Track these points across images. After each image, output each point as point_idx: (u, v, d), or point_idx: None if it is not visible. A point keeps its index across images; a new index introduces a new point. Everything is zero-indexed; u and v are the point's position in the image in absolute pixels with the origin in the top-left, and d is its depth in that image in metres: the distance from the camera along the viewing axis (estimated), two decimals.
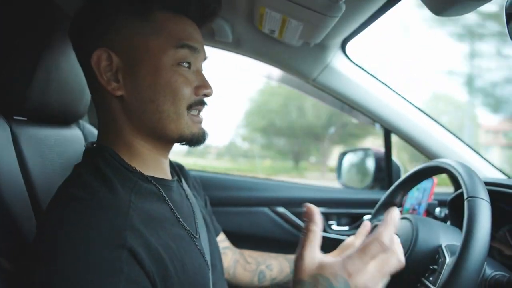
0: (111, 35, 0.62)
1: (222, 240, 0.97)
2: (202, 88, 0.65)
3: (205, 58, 0.70)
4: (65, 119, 0.88)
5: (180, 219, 0.65)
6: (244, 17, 1.03)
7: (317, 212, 0.51)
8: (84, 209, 0.52)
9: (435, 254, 0.67)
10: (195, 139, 0.66)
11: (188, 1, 0.65)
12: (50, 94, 0.75)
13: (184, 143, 0.67)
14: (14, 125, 0.71)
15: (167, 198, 0.64)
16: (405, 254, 0.73)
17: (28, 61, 0.69)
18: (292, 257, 0.92)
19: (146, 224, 0.55)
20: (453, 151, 1.21)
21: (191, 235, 0.66)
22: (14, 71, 0.69)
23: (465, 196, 0.62)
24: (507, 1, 0.61)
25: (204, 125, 0.69)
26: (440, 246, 0.68)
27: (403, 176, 0.89)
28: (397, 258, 0.51)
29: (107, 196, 0.55)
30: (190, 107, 0.64)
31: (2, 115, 0.68)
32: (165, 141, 0.67)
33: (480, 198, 0.60)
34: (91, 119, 1.28)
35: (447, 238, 0.71)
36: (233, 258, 0.97)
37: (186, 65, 0.64)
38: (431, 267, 0.66)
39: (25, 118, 0.77)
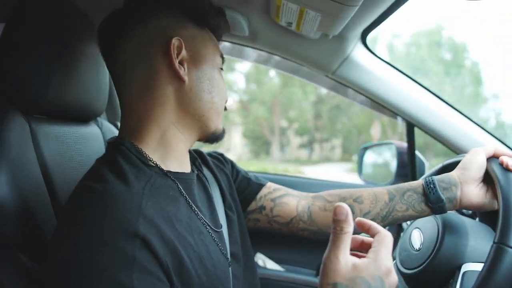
0: (180, 31, 0.68)
1: (274, 189, 0.90)
2: (226, 94, 0.75)
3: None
4: (84, 116, 0.89)
5: (198, 212, 0.65)
6: (260, 10, 1.01)
7: (350, 212, 0.48)
8: (97, 200, 0.53)
9: (453, 271, 0.67)
10: (221, 136, 0.75)
11: (219, 26, 0.76)
12: (68, 92, 0.75)
13: (211, 137, 0.73)
14: (33, 123, 0.72)
15: (184, 192, 0.65)
16: (422, 264, 0.75)
17: (47, 60, 0.70)
18: (386, 187, 0.83)
19: (160, 216, 0.55)
20: (481, 144, 1.15)
21: (210, 229, 0.66)
22: (33, 70, 0.69)
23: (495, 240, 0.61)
24: None
25: None
26: (460, 268, 0.68)
27: (438, 165, 0.86)
28: (389, 235, 0.53)
29: (121, 187, 0.56)
30: (224, 108, 0.74)
31: (21, 113, 0.69)
32: (201, 132, 0.71)
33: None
34: (109, 116, 1.29)
35: (472, 254, 0.70)
36: (301, 204, 0.87)
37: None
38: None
39: (44, 116, 0.77)
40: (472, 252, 0.71)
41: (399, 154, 1.43)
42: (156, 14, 0.67)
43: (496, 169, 0.70)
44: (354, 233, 0.51)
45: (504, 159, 0.70)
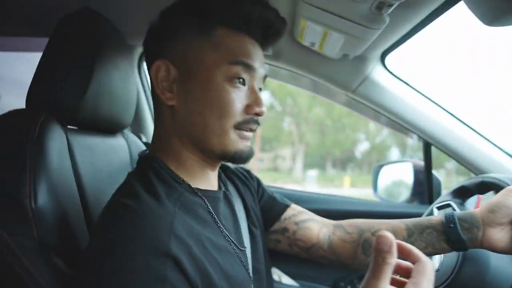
0: (172, 47, 0.65)
1: (298, 212, 0.88)
2: (253, 106, 0.65)
3: (264, 78, 0.70)
4: (112, 128, 0.92)
5: (225, 231, 0.65)
6: None
7: (394, 242, 0.42)
8: (131, 217, 0.53)
9: None
10: (238, 157, 0.66)
11: (249, 19, 0.65)
12: (101, 105, 0.78)
13: (226, 159, 0.67)
14: (69, 133, 0.75)
15: (212, 211, 0.65)
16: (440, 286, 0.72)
17: (83, 74, 0.73)
18: (404, 222, 0.79)
19: (190, 235, 0.56)
20: (502, 166, 1.15)
21: (235, 247, 0.66)
22: (71, 83, 0.73)
23: None
24: None
25: (250, 143, 0.68)
26: None
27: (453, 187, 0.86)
28: (431, 264, 0.47)
29: (154, 205, 0.56)
30: (238, 125, 0.64)
31: (59, 124, 0.72)
32: (209, 155, 0.67)
33: None
34: (133, 128, 1.33)
35: (491, 283, 0.69)
36: (322, 231, 0.85)
37: (240, 81, 0.64)
38: None
39: (77, 127, 0.81)
40: (491, 281, 0.70)
41: (416, 172, 1.44)
42: (156, 38, 0.68)
43: None
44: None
45: None
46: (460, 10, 0.71)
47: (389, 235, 0.42)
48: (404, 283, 0.45)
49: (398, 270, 0.49)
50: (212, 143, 0.64)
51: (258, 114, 0.66)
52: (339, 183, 17.66)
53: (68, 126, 0.78)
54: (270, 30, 0.68)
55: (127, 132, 1.07)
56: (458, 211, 0.80)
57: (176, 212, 0.57)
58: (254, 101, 0.65)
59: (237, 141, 0.65)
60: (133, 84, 0.91)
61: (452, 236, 0.70)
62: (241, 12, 0.64)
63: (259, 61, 0.67)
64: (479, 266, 0.72)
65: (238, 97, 0.64)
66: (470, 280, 0.71)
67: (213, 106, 0.62)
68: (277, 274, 1.34)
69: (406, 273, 0.48)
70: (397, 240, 0.45)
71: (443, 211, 0.84)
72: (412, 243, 0.70)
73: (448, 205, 0.84)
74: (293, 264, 1.32)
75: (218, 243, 0.61)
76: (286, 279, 1.34)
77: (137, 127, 1.37)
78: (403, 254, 0.47)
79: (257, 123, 0.67)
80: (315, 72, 1.18)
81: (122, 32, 0.85)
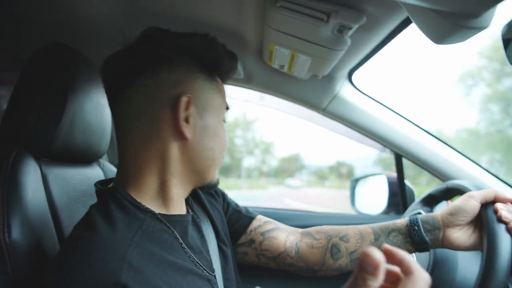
0: (190, 84, 0.67)
1: (264, 223, 0.89)
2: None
3: None
4: (88, 158, 0.92)
5: (192, 255, 0.65)
6: (254, 55, 1.09)
7: (381, 265, 0.36)
8: (81, 248, 0.53)
9: None
10: (214, 186, 0.77)
11: (230, 71, 0.75)
12: (75, 136, 0.79)
13: (206, 187, 0.75)
14: (43, 166, 0.74)
15: (178, 236, 0.65)
16: None
17: (56, 105, 0.74)
18: (371, 226, 0.83)
19: (149, 262, 0.56)
20: (466, 172, 1.21)
21: (205, 270, 0.66)
22: (43, 115, 0.73)
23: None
24: (502, 28, 0.65)
25: None
26: None
27: (417, 199, 0.90)
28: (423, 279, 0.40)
29: (107, 235, 0.56)
30: None
31: (33, 157, 0.72)
32: (197, 184, 0.73)
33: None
34: (110, 157, 1.32)
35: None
36: (289, 239, 0.87)
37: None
38: None
39: (52, 159, 0.80)
40: (461, 280, 0.74)
41: (390, 184, 1.49)
42: (167, 63, 0.66)
43: (489, 218, 0.69)
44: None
45: (499, 207, 0.69)
46: (413, 31, 0.77)
47: (377, 255, 0.35)
48: None
49: (387, 276, 0.41)
50: (210, 174, 0.72)
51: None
52: None
53: (44, 159, 0.77)
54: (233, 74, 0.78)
55: (103, 161, 1.06)
56: (423, 214, 0.84)
57: (134, 241, 0.56)
58: None
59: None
60: (108, 114, 0.91)
61: (416, 238, 0.75)
62: (228, 65, 0.73)
63: None
64: (449, 267, 0.76)
65: None
66: (442, 281, 0.74)
67: (220, 143, 0.72)
68: None
69: (395, 281, 0.41)
70: (387, 246, 0.41)
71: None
72: (379, 246, 0.74)
73: (419, 213, 0.88)
74: (277, 281, 1.31)
75: (184, 267, 0.61)
76: None
77: (113, 156, 1.36)
78: (393, 261, 0.41)
79: None
80: (286, 93, 1.22)
81: (95, 64, 0.86)
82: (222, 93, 0.74)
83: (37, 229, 0.65)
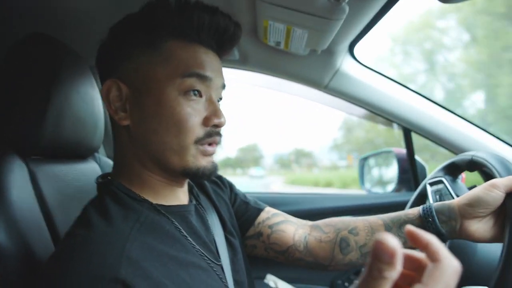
0: (123, 65, 0.62)
1: (272, 215, 0.86)
2: (212, 118, 0.63)
3: (223, 87, 0.68)
4: (81, 153, 0.88)
5: (197, 246, 0.63)
6: (249, 33, 1.03)
7: (398, 251, 0.32)
8: (78, 245, 0.51)
9: None
10: (201, 173, 0.63)
11: (199, 28, 0.62)
12: (63, 130, 0.75)
13: (189, 177, 0.65)
14: (31, 164, 0.71)
15: (179, 227, 0.62)
16: None
17: (39, 100, 0.70)
18: (382, 217, 0.77)
19: (149, 255, 0.53)
20: (480, 143, 1.16)
21: (210, 261, 0.64)
22: (26, 111, 0.69)
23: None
24: None
25: (213, 158, 0.66)
26: None
27: (429, 175, 0.85)
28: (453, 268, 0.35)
29: (104, 230, 0.54)
30: (199, 140, 0.62)
31: (18, 155, 0.68)
32: (171, 173, 0.64)
33: None
34: (107, 151, 1.29)
35: (475, 277, 0.68)
36: (298, 233, 0.83)
37: (195, 94, 0.62)
38: None
39: (42, 156, 0.77)
40: (475, 274, 0.70)
41: (399, 160, 1.44)
42: (112, 51, 0.64)
43: None
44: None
45: None
46: None
47: (392, 241, 0.31)
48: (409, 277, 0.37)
49: (405, 262, 0.37)
50: (172, 162, 0.62)
51: (217, 126, 0.64)
52: None
53: (32, 157, 0.74)
54: (223, 37, 0.66)
55: (99, 155, 1.03)
56: (449, 187, 0.80)
57: (132, 234, 0.54)
58: (212, 112, 0.63)
59: (198, 158, 0.63)
60: (99, 106, 0.87)
61: (431, 230, 0.69)
62: (190, 21, 0.62)
63: (215, 71, 0.65)
64: (466, 253, 0.72)
65: (195, 110, 0.61)
66: None
67: (169, 123, 0.60)
68: (273, 280, 1.31)
69: (416, 267, 0.37)
70: (411, 227, 0.36)
71: (435, 187, 0.84)
72: None
73: (440, 181, 0.84)
74: (288, 268, 1.29)
75: (187, 260, 0.58)
76: (282, 285, 1.31)
77: (111, 150, 1.33)
78: (418, 245, 0.36)
79: (219, 135, 0.65)
80: (285, 72, 1.17)
81: (82, 55, 0.82)
82: (172, 61, 0.61)
83: (26, 230, 0.62)
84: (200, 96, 0.63)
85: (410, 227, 0.36)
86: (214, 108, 0.63)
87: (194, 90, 0.61)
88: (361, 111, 1.27)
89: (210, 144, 0.64)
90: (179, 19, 0.61)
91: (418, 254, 0.37)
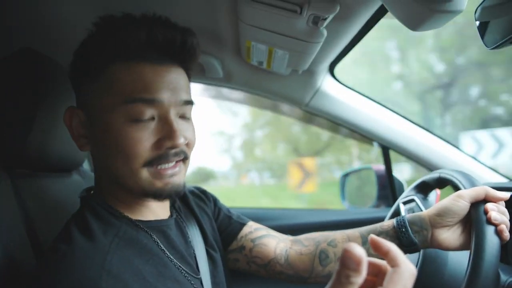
0: (79, 93, 0.66)
1: (255, 229, 0.87)
2: (165, 140, 0.60)
3: (185, 103, 0.64)
4: (66, 167, 0.89)
5: (174, 259, 0.64)
6: (232, 53, 1.07)
7: (363, 260, 0.35)
8: (58, 260, 0.53)
9: None
10: (159, 195, 0.62)
11: (138, 45, 0.60)
12: (49, 144, 0.76)
13: (151, 198, 0.64)
14: (15, 177, 0.72)
15: (158, 241, 0.64)
16: None
17: (26, 113, 0.71)
18: (359, 230, 0.80)
19: (128, 269, 0.55)
20: (452, 161, 1.21)
21: (188, 275, 0.65)
22: (13, 125, 0.70)
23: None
24: (476, 11, 0.64)
25: (174, 178, 0.63)
26: None
27: (403, 193, 0.89)
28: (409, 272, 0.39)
29: (84, 244, 0.55)
30: (149, 163, 0.60)
31: (2, 168, 0.69)
32: (135, 195, 0.64)
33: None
34: (91, 165, 1.29)
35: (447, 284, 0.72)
36: (279, 246, 0.84)
37: (145, 119, 0.59)
38: None
39: (27, 170, 0.77)
40: (447, 284, 0.73)
41: (378, 177, 1.48)
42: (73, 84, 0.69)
43: (478, 220, 0.65)
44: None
45: (489, 207, 0.65)
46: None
47: (358, 250, 0.34)
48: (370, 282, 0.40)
49: (368, 268, 0.39)
50: (129, 185, 0.62)
51: (172, 147, 0.61)
52: None
53: (17, 170, 0.74)
54: (174, 49, 0.63)
55: (84, 169, 1.04)
56: (421, 205, 0.83)
57: (111, 248, 0.56)
58: (166, 134, 0.60)
59: (153, 180, 0.61)
60: None
61: (405, 240, 0.72)
62: (128, 41, 0.59)
63: (170, 89, 0.61)
64: (438, 263, 0.75)
65: (143, 136, 0.59)
66: (431, 277, 0.73)
67: (116, 150, 0.59)
68: None
69: (377, 273, 0.41)
70: (374, 236, 0.40)
71: (408, 205, 0.87)
72: (368, 250, 0.72)
73: (412, 200, 0.87)
74: (269, 282, 1.30)
75: (164, 274, 0.60)
76: None
77: None
78: (379, 252, 0.41)
79: (177, 155, 0.62)
80: (267, 90, 1.21)
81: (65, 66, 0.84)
82: (115, 86, 0.59)
83: (8, 243, 0.62)
84: (153, 119, 0.61)
85: (373, 236, 0.41)
86: (168, 129, 0.60)
87: (142, 117, 0.59)
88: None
89: (164, 166, 0.62)
90: (117, 41, 0.60)
91: (379, 261, 0.41)
